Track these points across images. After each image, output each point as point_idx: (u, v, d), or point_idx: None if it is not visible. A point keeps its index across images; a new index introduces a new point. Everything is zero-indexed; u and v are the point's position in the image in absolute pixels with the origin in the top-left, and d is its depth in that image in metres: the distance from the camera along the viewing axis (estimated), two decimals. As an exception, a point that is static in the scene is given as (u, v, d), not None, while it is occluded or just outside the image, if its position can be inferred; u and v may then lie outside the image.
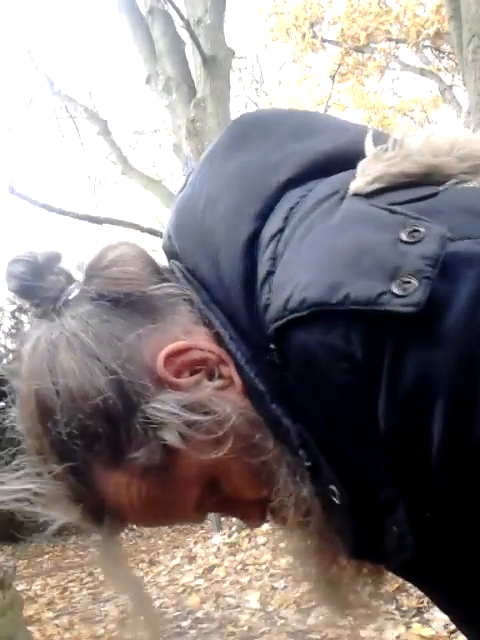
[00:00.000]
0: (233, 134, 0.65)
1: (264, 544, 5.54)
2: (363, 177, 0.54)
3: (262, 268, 0.54)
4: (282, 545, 0.66)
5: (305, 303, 0.48)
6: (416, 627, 3.01)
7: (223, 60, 6.96)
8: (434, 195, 0.52)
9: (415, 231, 0.47)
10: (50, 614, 4.85)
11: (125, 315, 0.58)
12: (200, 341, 0.59)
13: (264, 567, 4.90)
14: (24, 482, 0.59)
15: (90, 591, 5.51)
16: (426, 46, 12.50)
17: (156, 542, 7.40)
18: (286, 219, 0.55)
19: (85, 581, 5.98)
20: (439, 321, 0.44)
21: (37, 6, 26.58)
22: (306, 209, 0.54)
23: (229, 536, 6.17)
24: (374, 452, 0.50)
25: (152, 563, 6.13)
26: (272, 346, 0.52)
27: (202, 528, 7.23)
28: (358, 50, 12.02)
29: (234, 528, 6.26)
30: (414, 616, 3.14)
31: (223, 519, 6.85)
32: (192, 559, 5.88)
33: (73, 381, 0.56)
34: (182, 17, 6.54)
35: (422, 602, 3.22)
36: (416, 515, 0.50)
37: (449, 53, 11.90)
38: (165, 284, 0.61)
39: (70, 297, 0.60)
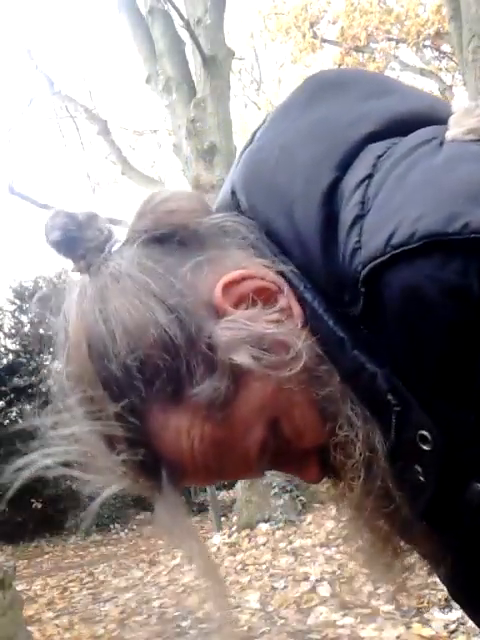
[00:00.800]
0: (309, 90, 0.64)
1: (264, 544, 5.55)
2: (458, 128, 0.53)
3: (348, 214, 0.52)
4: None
5: (416, 235, 0.45)
6: (416, 627, 3.02)
7: (223, 60, 6.97)
8: None
9: None
10: (50, 614, 4.85)
11: (178, 249, 0.57)
12: (260, 270, 0.57)
13: (264, 567, 4.90)
14: (72, 441, 0.55)
15: (90, 591, 5.51)
16: (426, 46, 12.50)
17: (156, 542, 7.39)
18: (374, 166, 0.53)
19: (85, 581, 5.99)
20: None
21: (37, 6, 26.59)
22: (401, 153, 0.53)
23: (229, 536, 6.17)
24: (468, 405, 0.48)
25: (152, 563, 6.13)
26: (362, 289, 0.50)
27: (202, 528, 7.23)
28: (358, 50, 12.02)
29: (234, 528, 6.26)
30: (414, 616, 3.14)
31: (223, 519, 6.86)
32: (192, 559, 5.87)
33: (127, 316, 0.53)
34: (182, 17, 6.55)
35: (422, 602, 3.23)
36: None
37: (449, 53, 11.90)
38: (220, 215, 0.60)
39: (114, 248, 0.58)
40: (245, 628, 3.63)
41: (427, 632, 2.94)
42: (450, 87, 12.51)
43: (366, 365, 0.53)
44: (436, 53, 12.89)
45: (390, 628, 3.08)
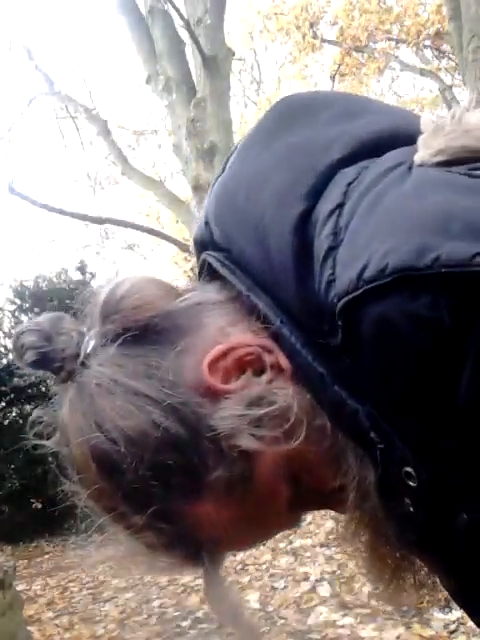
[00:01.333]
0: (276, 117, 0.63)
1: (264, 544, 5.54)
2: (427, 149, 0.53)
3: (321, 245, 0.52)
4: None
5: (387, 270, 0.45)
6: (416, 627, 3.02)
7: (223, 60, 6.97)
8: None
9: None
10: (50, 614, 4.85)
11: (154, 342, 0.56)
12: (239, 338, 0.57)
13: (264, 567, 4.90)
14: (108, 550, 0.57)
15: (90, 591, 5.51)
16: (426, 46, 12.50)
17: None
18: (345, 194, 0.53)
19: (85, 581, 5.98)
20: None
21: (37, 6, 26.60)
22: (370, 180, 0.52)
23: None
24: (447, 432, 0.48)
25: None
26: (339, 323, 0.50)
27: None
28: (358, 50, 12.02)
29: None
30: (414, 616, 3.14)
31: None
32: (192, 559, 5.87)
33: (125, 425, 0.53)
34: (182, 17, 6.55)
35: (422, 602, 3.22)
36: None
37: (449, 53, 11.90)
38: (188, 295, 0.60)
39: (88, 349, 0.57)
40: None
41: (427, 632, 2.94)
42: (450, 87, 12.50)
43: (347, 401, 0.53)
44: (436, 53, 12.89)
45: (390, 628, 3.08)
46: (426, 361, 0.46)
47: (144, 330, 0.56)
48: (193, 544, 0.57)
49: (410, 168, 0.52)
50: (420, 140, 0.54)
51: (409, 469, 0.52)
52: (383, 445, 0.52)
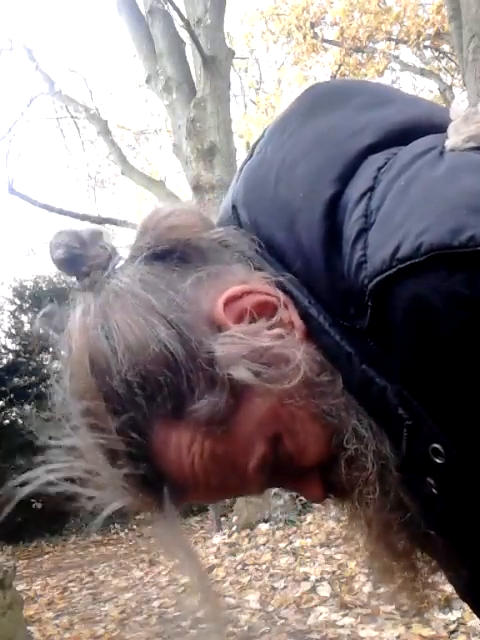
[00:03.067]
0: (307, 102, 0.64)
1: (264, 544, 5.55)
2: (458, 135, 0.53)
3: (352, 227, 0.52)
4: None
5: (422, 249, 0.46)
6: (416, 627, 3.02)
7: (223, 60, 6.96)
8: None
9: None
10: (50, 614, 4.85)
11: (180, 265, 0.57)
12: (260, 285, 0.57)
13: (264, 567, 4.90)
14: (74, 456, 0.56)
15: (90, 591, 5.51)
16: (426, 47, 12.50)
17: (156, 545, 7.38)
18: (375, 178, 0.54)
19: (85, 581, 5.98)
20: None
21: (37, 6, 26.60)
22: (403, 164, 0.53)
23: (229, 536, 6.17)
24: (478, 412, 0.48)
25: (152, 563, 6.12)
26: (369, 303, 0.50)
27: (202, 528, 7.23)
28: (358, 50, 12.02)
29: (234, 528, 6.26)
30: (414, 616, 3.14)
31: (223, 519, 6.86)
32: (192, 559, 5.87)
33: (129, 332, 0.54)
34: (182, 17, 6.55)
35: (422, 602, 3.22)
36: None
37: (449, 53, 11.90)
38: (222, 229, 0.61)
39: (117, 265, 0.59)
40: (245, 628, 3.63)
41: (427, 632, 2.94)
42: (450, 87, 12.51)
43: (375, 379, 0.53)
44: (436, 53, 12.89)
45: (390, 628, 3.08)
46: (462, 339, 0.46)
47: (173, 250, 0.58)
48: (156, 469, 0.56)
49: (442, 153, 0.52)
50: (451, 127, 0.55)
51: (437, 446, 0.51)
52: (411, 422, 0.52)
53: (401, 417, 0.53)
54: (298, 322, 0.57)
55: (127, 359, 0.53)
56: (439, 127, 0.57)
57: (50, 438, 0.57)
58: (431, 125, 0.58)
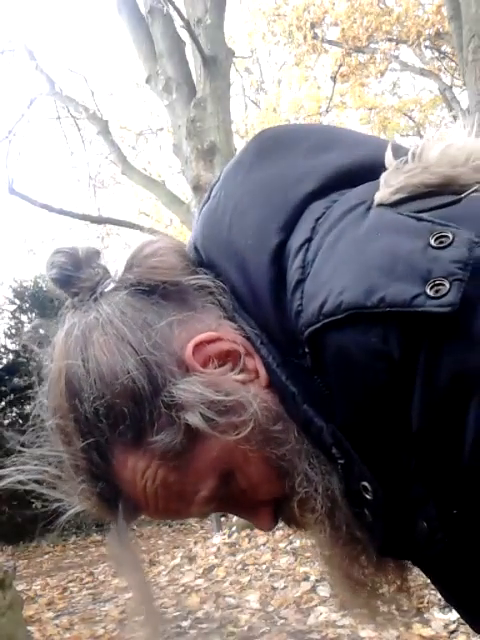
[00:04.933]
0: (256, 148, 0.68)
1: (264, 544, 5.54)
2: (387, 188, 0.57)
3: (292, 276, 0.57)
4: (309, 544, 0.68)
5: (342, 306, 0.50)
6: (416, 627, 3.02)
7: (223, 60, 6.96)
8: (456, 202, 0.54)
9: (443, 237, 0.49)
10: (50, 614, 4.85)
11: (158, 303, 0.62)
12: (229, 333, 0.62)
13: (264, 567, 4.90)
14: (45, 462, 0.62)
15: (90, 591, 5.51)
16: (427, 47, 12.50)
17: (156, 542, 7.40)
18: (313, 229, 0.58)
19: (85, 581, 5.98)
20: (472, 322, 0.46)
21: (38, 7, 26.59)
22: (334, 218, 0.57)
23: (229, 536, 6.17)
24: (405, 451, 0.52)
25: (152, 563, 6.13)
26: (306, 350, 0.55)
27: (202, 528, 7.23)
28: (358, 50, 12.02)
29: (234, 528, 6.26)
30: (414, 616, 3.14)
31: (223, 519, 6.85)
32: (192, 559, 5.88)
33: (103, 361, 0.59)
34: (182, 17, 6.55)
35: (422, 602, 3.22)
36: (444, 512, 0.52)
37: (449, 53, 11.90)
38: (200, 276, 0.65)
39: (106, 289, 0.63)
40: (245, 628, 3.63)
41: (427, 632, 2.94)
42: (450, 87, 12.51)
43: (314, 419, 0.58)
44: (436, 53, 12.89)
45: (390, 628, 3.07)
46: (380, 389, 0.50)
47: (154, 290, 0.62)
48: (113, 487, 0.61)
49: (369, 208, 0.56)
50: (382, 178, 0.58)
51: (366, 484, 0.56)
52: (343, 461, 0.57)
53: (334, 456, 0.58)
54: (262, 371, 0.61)
55: (98, 387, 0.58)
56: (381, 169, 0.59)
57: (22, 445, 0.64)
58: (373, 166, 0.61)
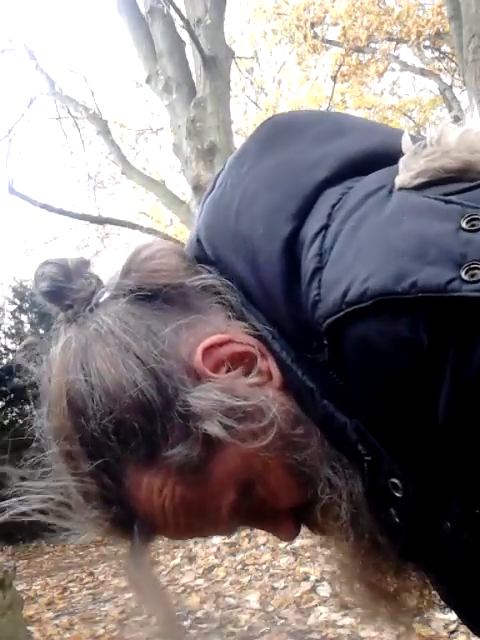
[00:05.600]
0: (264, 135, 0.65)
1: (264, 544, 5.54)
2: (407, 172, 0.54)
3: (307, 265, 0.53)
4: (327, 552, 0.64)
5: (367, 294, 0.47)
6: (416, 627, 3.01)
7: (223, 60, 6.96)
8: (479, 186, 0.52)
9: (474, 219, 0.47)
10: (50, 614, 4.85)
11: (161, 309, 0.58)
12: (239, 334, 0.58)
13: (264, 567, 4.90)
14: (50, 490, 0.57)
15: (90, 591, 5.51)
16: (427, 47, 12.50)
17: (156, 542, 7.38)
18: (329, 216, 0.55)
19: (85, 581, 5.98)
20: None
21: (37, 6, 26.60)
22: (353, 204, 0.54)
23: (229, 536, 6.17)
24: (429, 446, 0.49)
25: (152, 563, 6.12)
26: (325, 342, 0.52)
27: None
28: (359, 50, 12.02)
29: (234, 528, 6.25)
30: (414, 616, 3.13)
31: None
32: (192, 559, 5.88)
33: (107, 375, 0.55)
34: (182, 17, 6.55)
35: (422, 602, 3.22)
36: (468, 511, 0.50)
37: (449, 54, 11.90)
38: (204, 275, 0.61)
39: (101, 300, 0.59)
40: (245, 628, 3.63)
41: (427, 632, 2.94)
42: (450, 87, 12.51)
43: (335, 414, 0.55)
44: (436, 53, 12.89)
45: (390, 628, 3.07)
46: (406, 380, 0.48)
47: (156, 295, 0.58)
48: (128, 510, 0.57)
49: (391, 192, 0.53)
50: (401, 162, 0.56)
51: (395, 481, 0.53)
52: (370, 457, 0.54)
53: (360, 453, 0.54)
54: (276, 372, 0.58)
55: (104, 403, 0.54)
56: (395, 156, 0.57)
57: (22, 478, 0.59)
58: (386, 154, 0.59)
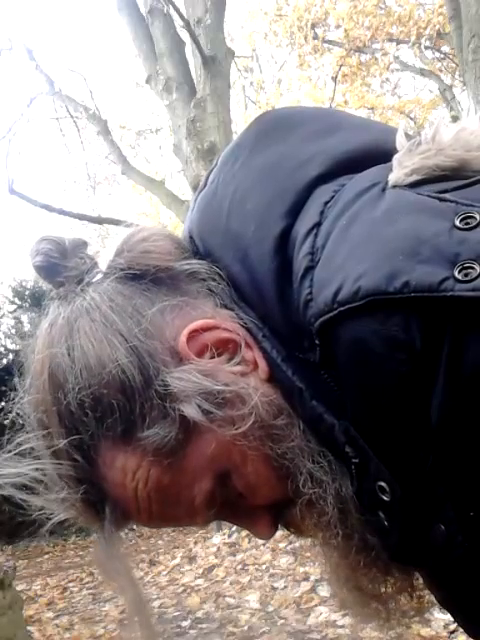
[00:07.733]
0: (256, 132, 0.64)
1: (264, 544, 5.54)
2: (401, 169, 0.53)
3: (299, 264, 0.53)
4: (308, 554, 0.64)
5: (360, 293, 0.46)
6: (416, 627, 3.01)
7: (223, 60, 6.96)
8: (474, 184, 0.51)
9: (469, 217, 0.46)
10: (50, 614, 4.85)
11: (150, 290, 0.58)
12: (226, 322, 0.58)
13: (264, 567, 4.90)
14: (24, 465, 0.57)
15: (90, 591, 5.51)
16: (427, 47, 12.50)
17: (156, 542, 7.40)
18: (321, 213, 0.54)
19: (85, 581, 5.98)
20: None
21: (37, 6, 26.59)
22: (346, 201, 0.53)
23: (229, 536, 6.17)
24: (422, 448, 0.48)
25: (152, 563, 6.13)
26: (316, 342, 0.51)
27: (202, 528, 7.22)
28: (359, 51, 12.02)
29: (234, 528, 6.26)
30: (414, 616, 3.13)
31: (223, 519, 6.85)
32: (192, 559, 5.88)
33: (90, 350, 0.55)
34: (182, 17, 6.54)
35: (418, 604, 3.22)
36: (462, 514, 0.49)
37: (449, 54, 11.90)
38: (194, 261, 0.61)
39: (94, 279, 0.59)
40: (245, 628, 3.63)
41: (427, 632, 2.94)
42: (450, 87, 12.51)
43: (324, 416, 0.54)
44: (436, 54, 12.89)
45: (388, 629, 3.07)
46: (399, 381, 0.47)
47: (145, 275, 0.58)
48: (98, 490, 0.56)
49: (384, 189, 0.53)
50: (395, 159, 0.55)
51: (383, 484, 0.52)
52: (358, 460, 0.53)
53: (347, 455, 0.53)
54: (262, 363, 0.57)
55: (84, 378, 0.54)
56: (388, 153, 0.56)
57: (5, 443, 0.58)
58: (380, 151, 0.58)
